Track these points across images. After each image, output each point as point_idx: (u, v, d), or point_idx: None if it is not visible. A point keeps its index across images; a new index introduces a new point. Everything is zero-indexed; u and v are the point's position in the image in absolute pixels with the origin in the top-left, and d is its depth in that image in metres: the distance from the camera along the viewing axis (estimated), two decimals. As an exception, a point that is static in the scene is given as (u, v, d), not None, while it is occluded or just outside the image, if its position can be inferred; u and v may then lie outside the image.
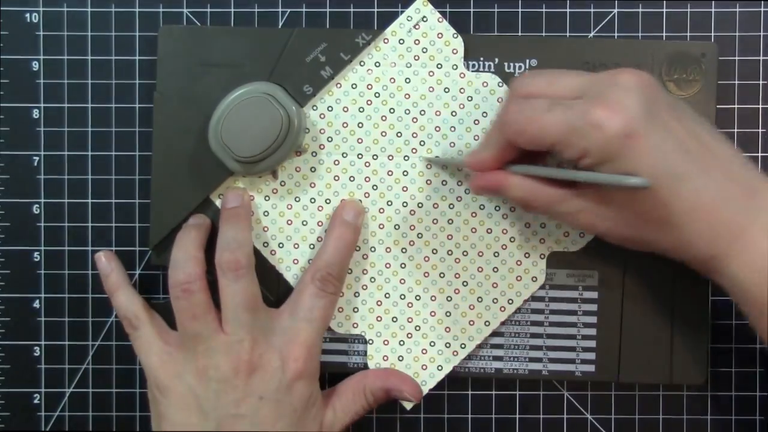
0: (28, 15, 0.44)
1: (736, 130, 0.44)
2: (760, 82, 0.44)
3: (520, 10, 0.44)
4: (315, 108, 0.43)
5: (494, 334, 0.43)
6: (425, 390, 0.43)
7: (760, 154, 0.44)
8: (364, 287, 0.43)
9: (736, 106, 0.44)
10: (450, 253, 0.43)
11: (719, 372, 0.44)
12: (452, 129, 0.43)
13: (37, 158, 0.45)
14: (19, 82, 0.44)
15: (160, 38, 0.43)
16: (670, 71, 0.43)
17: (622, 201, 0.36)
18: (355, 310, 0.43)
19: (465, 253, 0.43)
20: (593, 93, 0.35)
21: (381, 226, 0.43)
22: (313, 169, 0.43)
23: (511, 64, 0.43)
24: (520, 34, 0.44)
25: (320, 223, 0.43)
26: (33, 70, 0.44)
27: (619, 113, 0.34)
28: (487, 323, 0.43)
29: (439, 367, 0.43)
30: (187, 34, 0.43)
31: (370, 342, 0.43)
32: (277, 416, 0.39)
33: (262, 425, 0.38)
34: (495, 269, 0.43)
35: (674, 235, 0.36)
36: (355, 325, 0.43)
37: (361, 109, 0.43)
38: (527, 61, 0.43)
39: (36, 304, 0.45)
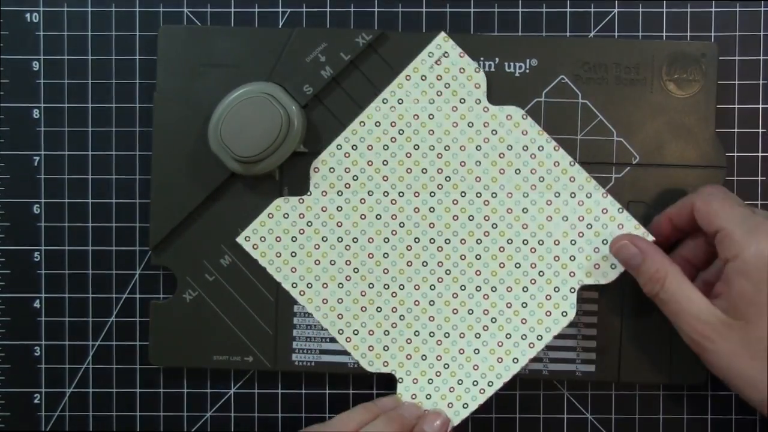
0: (28, 15, 0.44)
1: (736, 130, 0.44)
2: (760, 82, 0.44)
3: (520, 10, 0.44)
4: (339, 147, 0.42)
5: (494, 334, 0.44)
6: (457, 422, 0.43)
7: (760, 154, 0.44)
8: (394, 325, 0.43)
9: (736, 106, 0.44)
10: (478, 289, 0.42)
11: (719, 372, 0.44)
12: (477, 163, 0.42)
13: (37, 158, 0.45)
14: (19, 82, 0.44)
15: (160, 38, 0.43)
16: (670, 71, 0.43)
17: None
18: (386, 348, 0.43)
19: (494, 289, 0.42)
20: None
21: (409, 264, 0.43)
22: (339, 209, 0.43)
23: (511, 64, 0.43)
24: (520, 34, 0.44)
25: (348, 263, 0.43)
26: (33, 70, 0.44)
27: None
28: (515, 360, 0.42)
29: (465, 405, 0.43)
30: (187, 34, 0.43)
31: (400, 381, 0.43)
32: None
33: None
34: (524, 304, 0.42)
35: None
36: (386, 364, 0.43)
37: (386, 147, 0.42)
38: (527, 61, 0.43)
39: (36, 304, 0.45)
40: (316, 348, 0.44)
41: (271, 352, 0.44)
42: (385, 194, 0.43)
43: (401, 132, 0.42)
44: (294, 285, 0.43)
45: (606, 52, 0.43)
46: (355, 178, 0.43)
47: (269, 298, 0.43)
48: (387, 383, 0.45)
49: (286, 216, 0.43)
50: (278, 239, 0.43)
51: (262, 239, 0.43)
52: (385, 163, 0.42)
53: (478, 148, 0.42)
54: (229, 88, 0.42)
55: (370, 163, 0.42)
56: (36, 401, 0.45)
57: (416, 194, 0.42)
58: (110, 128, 0.45)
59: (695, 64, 0.43)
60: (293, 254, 0.43)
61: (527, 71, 0.43)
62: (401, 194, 0.42)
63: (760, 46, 0.44)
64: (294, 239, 0.43)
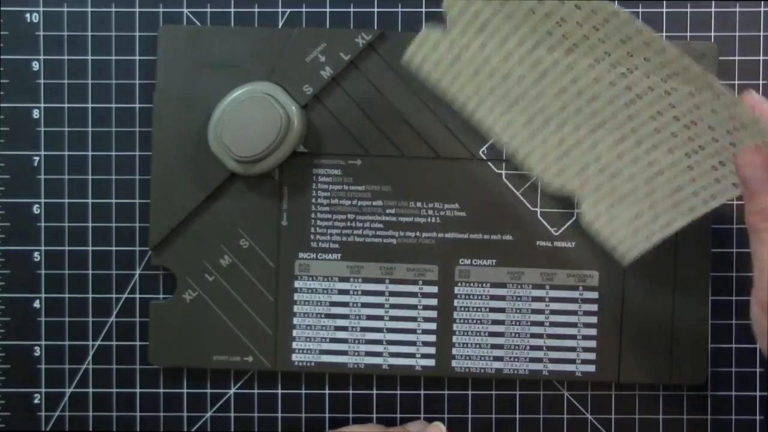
0: (28, 15, 0.44)
1: (736, 130, 0.44)
2: (760, 82, 0.44)
3: (520, 10, 0.44)
4: None
5: (494, 334, 0.43)
6: (636, 253, 0.41)
7: (760, 154, 0.44)
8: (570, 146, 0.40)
9: (736, 106, 0.44)
10: (638, 144, 0.40)
11: (719, 372, 0.44)
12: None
13: (37, 158, 0.45)
14: (19, 82, 0.44)
15: (160, 38, 0.43)
16: (670, 71, 0.43)
17: None
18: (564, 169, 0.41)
19: (655, 147, 0.39)
20: None
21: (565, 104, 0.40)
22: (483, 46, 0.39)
23: (511, 64, 0.43)
24: (520, 34, 0.44)
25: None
26: (33, 70, 0.44)
27: None
28: (691, 209, 0.39)
29: (650, 235, 0.40)
30: (187, 34, 0.43)
31: (583, 199, 0.41)
32: None
33: None
34: (690, 167, 0.39)
35: None
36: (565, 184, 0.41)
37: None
38: (527, 61, 0.43)
39: (36, 304, 0.45)
40: (316, 348, 0.44)
41: (271, 352, 0.44)
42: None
43: None
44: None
45: (606, 51, 0.43)
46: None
47: (269, 298, 0.43)
48: (387, 384, 0.45)
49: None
50: (441, 59, 0.40)
51: (425, 59, 0.41)
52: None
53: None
54: (229, 88, 0.42)
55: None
56: (36, 401, 0.45)
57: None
58: (110, 128, 0.45)
59: (695, 64, 0.43)
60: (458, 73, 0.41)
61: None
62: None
63: (760, 46, 0.44)
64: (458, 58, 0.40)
